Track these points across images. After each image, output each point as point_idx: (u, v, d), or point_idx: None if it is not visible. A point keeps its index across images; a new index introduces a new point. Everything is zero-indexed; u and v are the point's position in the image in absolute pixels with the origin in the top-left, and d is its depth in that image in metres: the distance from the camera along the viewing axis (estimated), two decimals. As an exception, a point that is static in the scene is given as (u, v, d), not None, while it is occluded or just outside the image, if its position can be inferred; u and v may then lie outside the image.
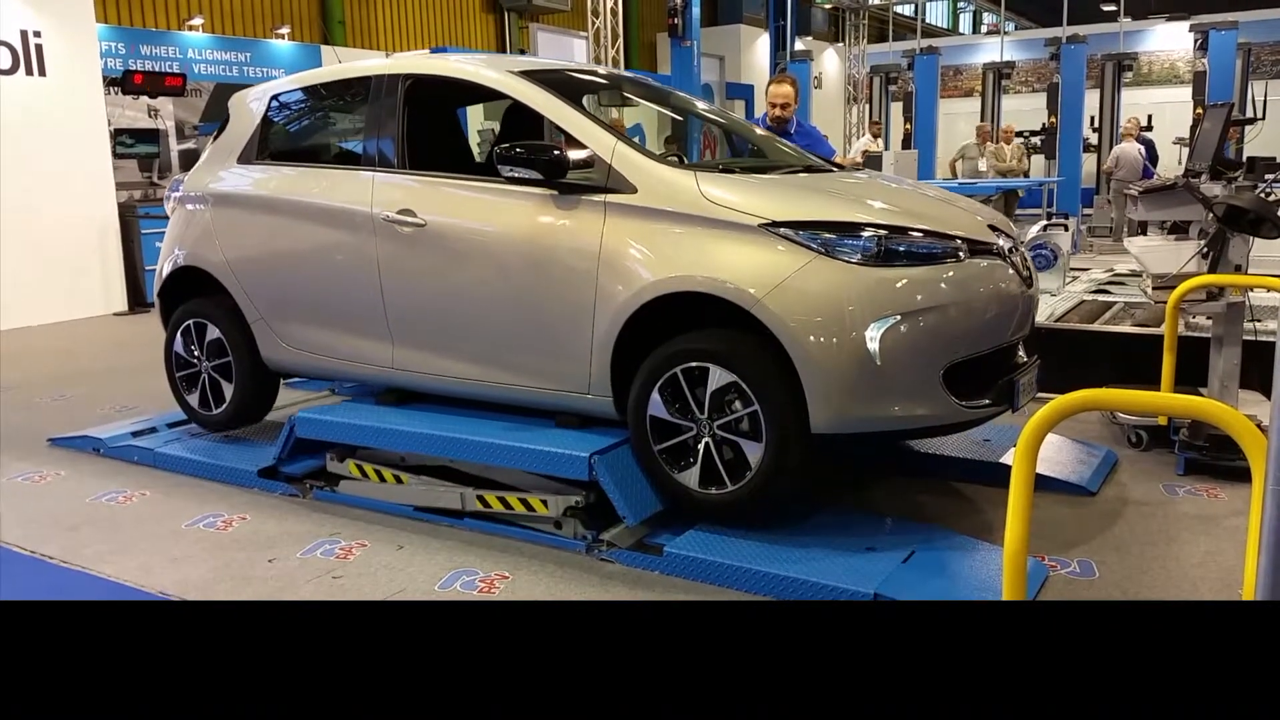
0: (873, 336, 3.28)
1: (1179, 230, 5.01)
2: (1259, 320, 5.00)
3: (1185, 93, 15.55)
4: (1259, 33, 15.90)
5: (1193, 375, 4.94)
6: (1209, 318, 4.90)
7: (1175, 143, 12.86)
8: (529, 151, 3.71)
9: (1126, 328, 6.05)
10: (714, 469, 3.53)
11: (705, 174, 3.72)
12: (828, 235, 3.38)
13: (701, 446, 3.53)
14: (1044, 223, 7.52)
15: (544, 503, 3.84)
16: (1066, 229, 7.50)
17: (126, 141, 11.68)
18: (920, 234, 3.47)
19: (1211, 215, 4.53)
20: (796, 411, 3.35)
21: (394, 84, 4.32)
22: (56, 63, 9.85)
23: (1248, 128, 7.90)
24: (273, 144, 4.87)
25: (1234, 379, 4.68)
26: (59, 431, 5.49)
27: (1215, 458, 4.46)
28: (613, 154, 3.72)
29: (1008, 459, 4.50)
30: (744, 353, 3.42)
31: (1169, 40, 20.81)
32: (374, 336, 4.32)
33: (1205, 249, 4.62)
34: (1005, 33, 21.94)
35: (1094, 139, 14.90)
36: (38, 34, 9.69)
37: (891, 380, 3.33)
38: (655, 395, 3.57)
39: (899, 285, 3.35)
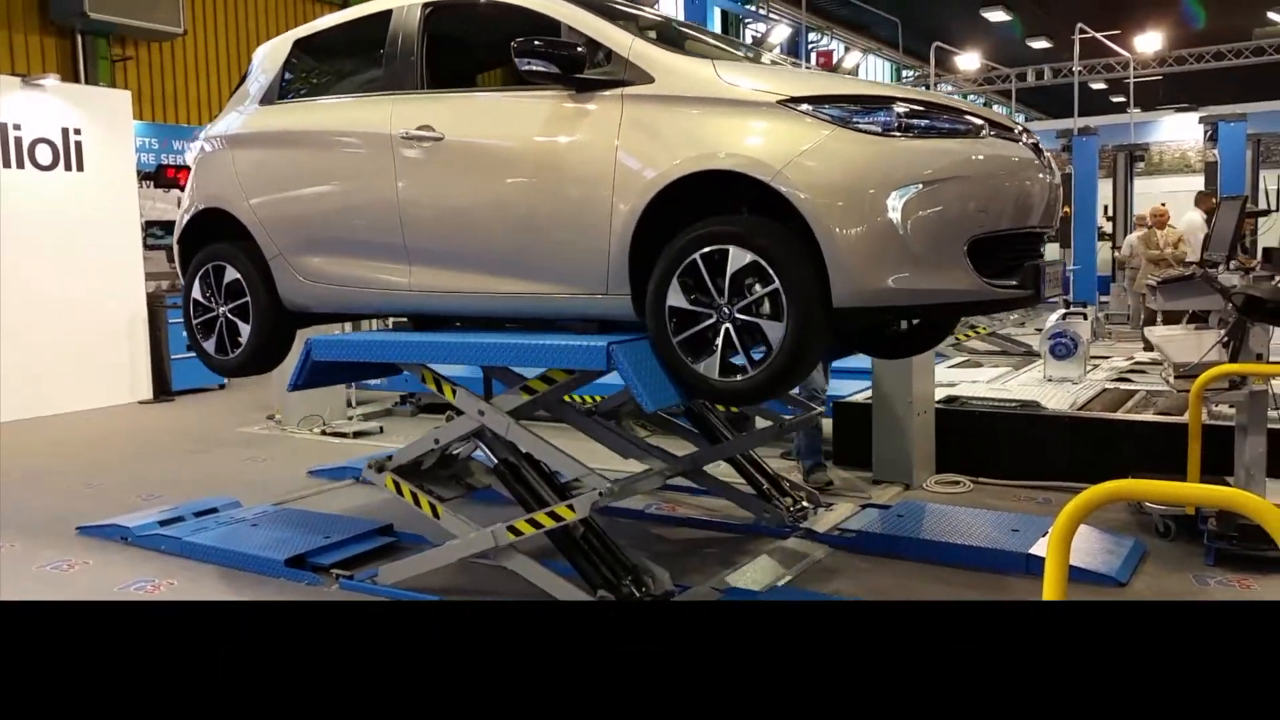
0: (894, 206, 3.23)
1: (1198, 319, 5.06)
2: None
3: (1198, 181, 15.72)
4: (1268, 124, 16.12)
5: (1218, 464, 4.93)
6: (1232, 406, 4.91)
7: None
8: (547, 45, 3.64)
9: (1149, 416, 6.05)
10: (734, 356, 3.47)
11: (722, 61, 3.74)
12: (848, 107, 3.36)
13: (721, 332, 3.45)
14: (1063, 311, 7.56)
15: (570, 508, 3.88)
16: (1086, 317, 7.54)
17: (157, 233, 11.96)
18: (941, 109, 3.47)
19: (1231, 305, 4.58)
20: (818, 286, 3.28)
21: (413, 13, 4.34)
22: (94, 158, 10.14)
23: (1260, 218, 7.99)
24: (294, 85, 4.87)
25: (1260, 467, 4.67)
26: (88, 519, 5.53)
27: (1246, 548, 4.43)
28: (630, 49, 3.70)
29: (1037, 549, 4.49)
30: (763, 231, 3.36)
31: (1179, 130, 21.10)
32: (391, 259, 4.27)
33: (1226, 338, 4.65)
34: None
35: (1108, 227, 15.05)
36: (78, 131, 10.01)
37: (914, 250, 3.26)
38: (674, 284, 3.49)
39: (921, 156, 3.32)
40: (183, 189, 11.93)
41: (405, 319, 4.79)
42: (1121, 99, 20.56)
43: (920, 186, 3.25)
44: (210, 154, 4.96)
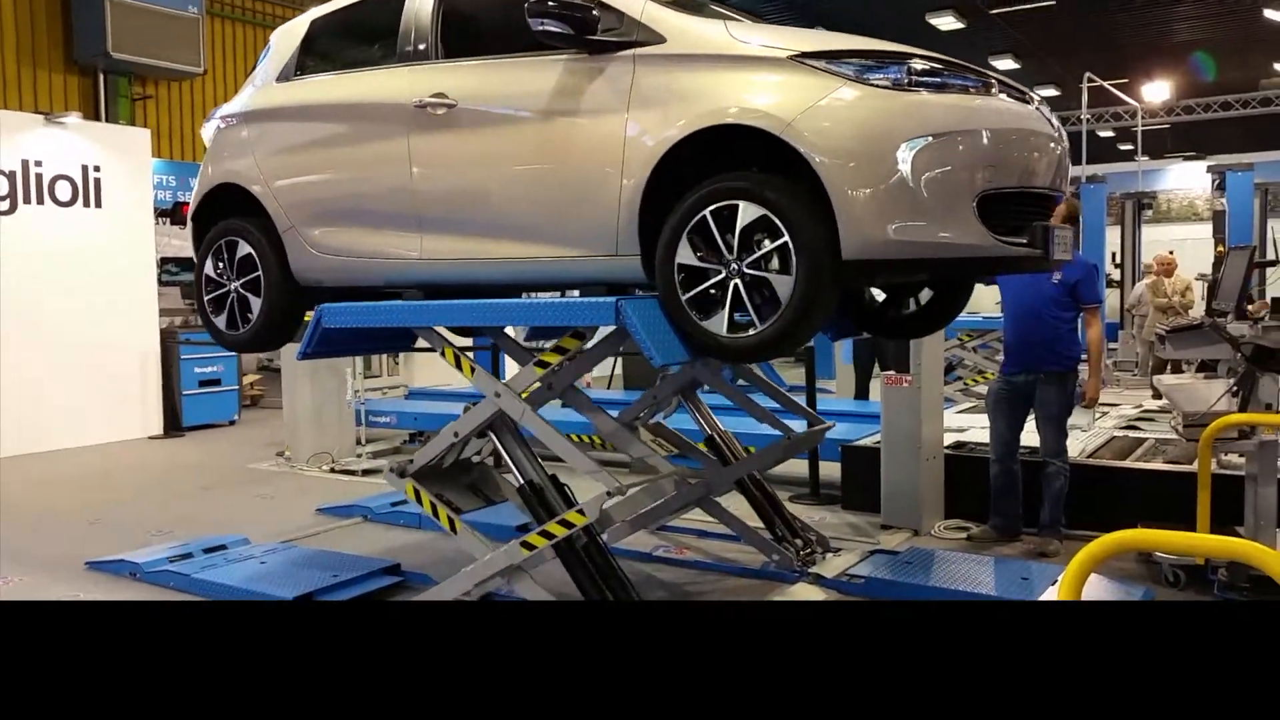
0: (904, 158, 3.23)
1: (1207, 368, 5.08)
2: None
3: (1206, 229, 15.78)
4: (1275, 173, 16.21)
5: (1228, 513, 4.92)
6: (1242, 456, 4.91)
7: (1198, 279, 13.00)
8: (560, 5, 3.63)
9: (1158, 465, 6.04)
10: (742, 313, 3.45)
11: (733, 21, 3.77)
12: (860, 62, 3.38)
13: (730, 289, 3.44)
14: (1082, 356, 7.57)
15: (581, 513, 3.89)
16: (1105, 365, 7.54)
17: (171, 270, 12.11)
18: (953, 66, 3.48)
19: (1240, 355, 4.60)
20: (827, 239, 3.28)
21: None
22: (112, 195, 10.28)
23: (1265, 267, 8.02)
24: (310, 62, 4.89)
25: (1271, 518, 4.66)
26: (97, 555, 5.54)
27: (1256, 599, 4.41)
28: (641, 11, 3.71)
29: (1047, 598, 4.47)
30: (772, 185, 3.36)
31: (1187, 179, 21.25)
32: (403, 228, 4.28)
33: (1235, 388, 4.67)
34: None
35: (1116, 274, 15.09)
36: (97, 168, 10.16)
37: (924, 202, 3.26)
38: (684, 241, 3.49)
39: (931, 110, 3.33)
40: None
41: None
42: (1130, 146, 20.69)
43: (930, 139, 3.26)
44: (225, 131, 4.99)
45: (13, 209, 9.50)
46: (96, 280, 10.06)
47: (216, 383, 11.08)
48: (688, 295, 3.51)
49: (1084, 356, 5.82)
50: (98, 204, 10.17)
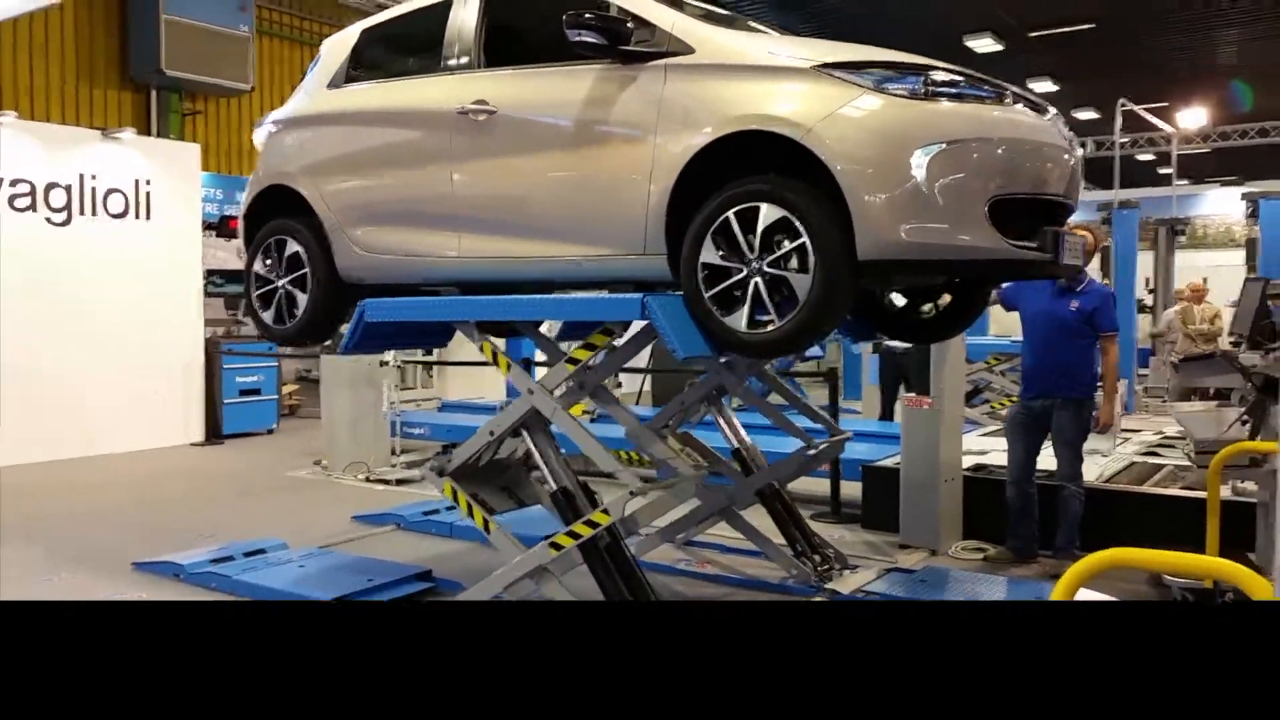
0: (919, 163, 3.39)
1: (1222, 396, 5.17)
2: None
3: (1241, 255, 15.72)
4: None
5: (1241, 539, 5.00)
6: (1255, 483, 5.00)
7: (1230, 306, 12.98)
8: (596, 18, 3.83)
9: (1174, 490, 6.12)
10: (762, 311, 3.62)
11: (759, 33, 3.96)
12: (880, 73, 3.56)
13: (751, 287, 3.61)
14: (1098, 383, 7.65)
15: (605, 512, 4.07)
16: (1119, 391, 7.62)
17: (217, 281, 12.45)
18: (968, 77, 3.65)
19: (1251, 385, 4.70)
20: (844, 240, 3.44)
21: (473, 2, 4.60)
22: (162, 208, 10.64)
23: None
24: (359, 70, 5.10)
25: (1280, 545, 4.74)
26: (143, 556, 5.80)
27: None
28: (672, 24, 3.92)
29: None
30: (793, 188, 3.53)
31: (1223, 204, 21.12)
32: (443, 228, 4.49)
33: (1246, 416, 4.77)
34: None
35: (1150, 300, 15.08)
36: (148, 182, 10.52)
37: (937, 206, 3.41)
38: (708, 241, 3.66)
39: (946, 118, 3.49)
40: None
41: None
42: (1168, 170, 20.64)
43: (944, 145, 3.42)
44: (277, 134, 5.25)
45: (68, 220, 9.87)
46: (145, 290, 10.40)
47: (256, 392, 11.39)
48: (710, 292, 3.70)
49: (1100, 383, 5.92)
50: (148, 216, 10.53)
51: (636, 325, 4.13)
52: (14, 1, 6.44)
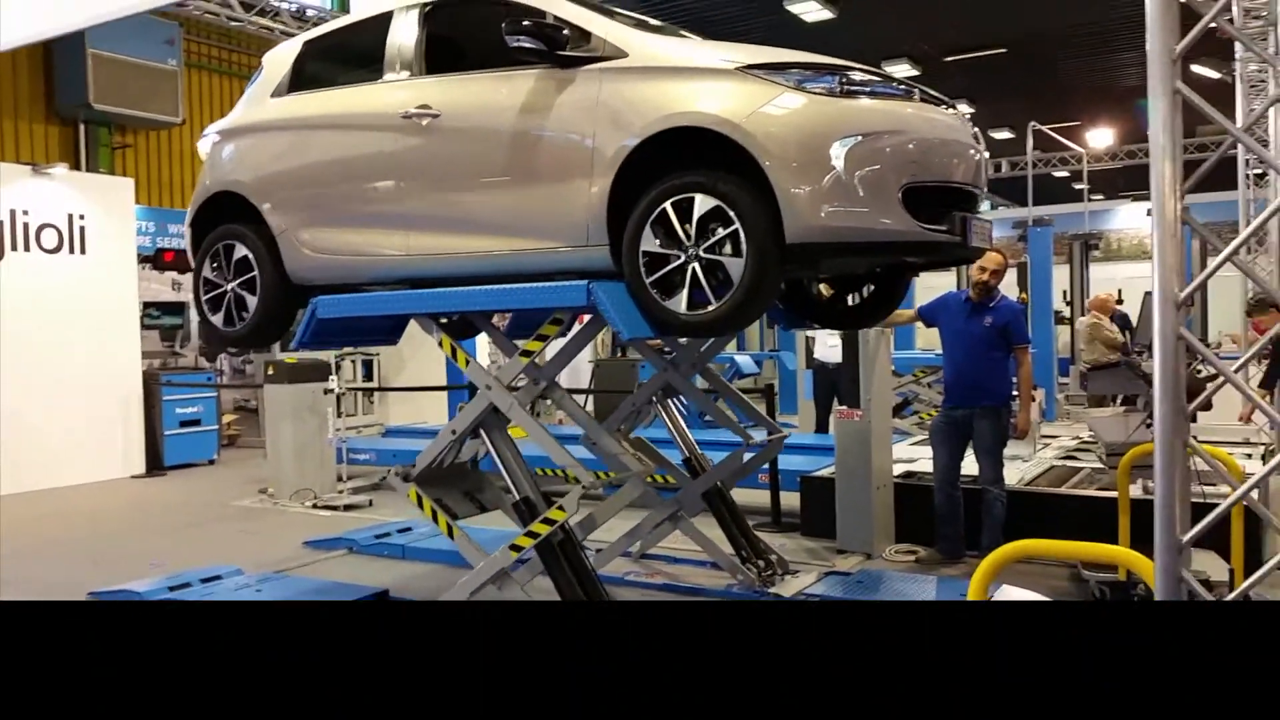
0: (838, 154, 3.69)
1: (1129, 403, 5.57)
2: (1212, 484, 5.46)
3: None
4: (1209, 214, 16.97)
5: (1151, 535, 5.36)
6: (1160, 481, 5.38)
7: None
8: (535, 24, 4.09)
9: (1089, 491, 6.52)
10: (700, 293, 3.87)
11: (686, 39, 4.26)
12: (799, 73, 3.88)
13: (689, 271, 3.87)
14: (1014, 392, 8.07)
15: (560, 509, 4.29)
16: (1035, 399, 8.04)
17: (153, 314, 12.39)
18: (878, 76, 3.99)
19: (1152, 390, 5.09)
20: (773, 226, 3.72)
21: (413, 13, 4.81)
22: (96, 242, 10.60)
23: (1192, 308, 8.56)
24: (303, 80, 5.23)
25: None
26: (96, 586, 5.84)
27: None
28: (606, 30, 4.21)
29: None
30: (725, 179, 3.80)
31: (1134, 219, 22.06)
32: (391, 227, 4.66)
33: (1149, 420, 5.15)
34: (980, 211, 23.17)
35: (1067, 312, 15.74)
36: (82, 217, 10.48)
37: (855, 192, 3.71)
38: (647, 230, 3.93)
39: (861, 112, 3.81)
40: (180, 271, 12.42)
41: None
42: (1082, 186, 21.53)
43: (860, 137, 3.74)
44: (221, 143, 5.37)
45: (0, 256, 9.80)
46: (81, 324, 10.35)
47: (197, 423, 11.36)
48: (651, 278, 3.96)
49: (1016, 392, 6.30)
50: (83, 250, 10.49)
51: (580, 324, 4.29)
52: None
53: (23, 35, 6.44)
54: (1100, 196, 25.45)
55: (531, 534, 4.41)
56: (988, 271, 6.11)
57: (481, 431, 4.70)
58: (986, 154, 4.36)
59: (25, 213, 10.03)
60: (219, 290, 5.18)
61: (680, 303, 3.92)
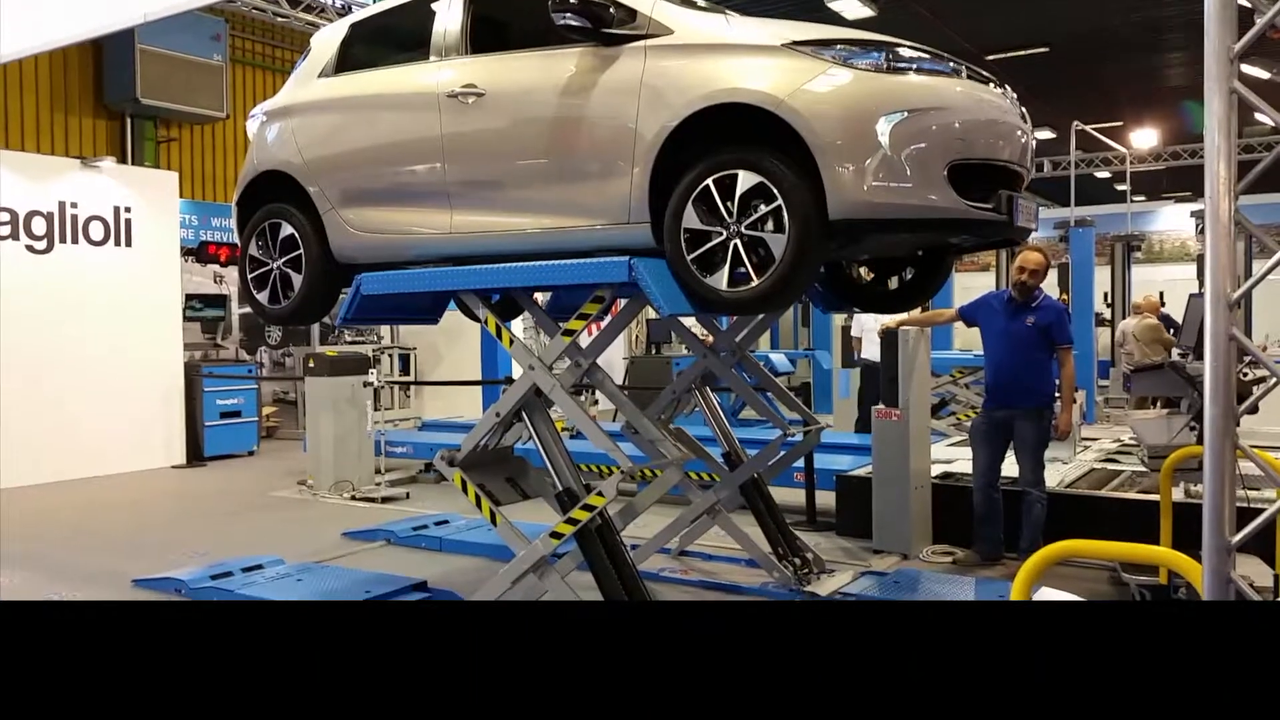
0: (883, 130, 3.68)
1: (1171, 405, 5.50)
2: (1256, 488, 5.39)
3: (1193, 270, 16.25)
4: (1257, 215, 16.69)
5: (1196, 539, 5.28)
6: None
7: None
8: (580, 2, 4.05)
9: (1131, 494, 6.45)
10: (741, 270, 3.87)
11: (733, 17, 4.24)
12: (846, 49, 3.86)
13: (730, 248, 3.86)
14: (1056, 393, 8.00)
15: (600, 494, 4.29)
16: (1076, 401, 7.96)
17: (196, 306, 12.58)
18: (926, 53, 3.94)
19: (1197, 393, 5.03)
20: (816, 202, 3.70)
21: None
22: (141, 235, 10.77)
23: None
24: (349, 60, 5.27)
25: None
26: (140, 573, 5.95)
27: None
28: (652, 7, 4.18)
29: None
30: (768, 155, 3.78)
31: (1177, 221, 21.75)
32: (435, 206, 4.70)
33: (1193, 423, 5.09)
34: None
35: (1108, 313, 15.56)
36: (128, 209, 10.65)
37: (900, 168, 3.69)
38: (689, 208, 3.92)
39: (907, 88, 3.79)
40: (223, 265, 12.58)
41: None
42: (1124, 187, 21.27)
43: (906, 114, 3.72)
44: (269, 123, 5.43)
45: (49, 248, 9.99)
46: (126, 316, 10.53)
47: (237, 414, 11.51)
48: (693, 255, 3.96)
49: (1059, 393, 6.24)
50: (128, 243, 10.66)
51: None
52: (19, 45, 6.66)
53: (77, 32, 6.56)
54: (1143, 198, 25.11)
55: (571, 520, 4.43)
56: (1026, 271, 6.04)
57: (524, 414, 4.71)
58: (1032, 133, 4.32)
59: (74, 205, 10.21)
60: (265, 268, 5.25)
61: (721, 279, 3.93)
